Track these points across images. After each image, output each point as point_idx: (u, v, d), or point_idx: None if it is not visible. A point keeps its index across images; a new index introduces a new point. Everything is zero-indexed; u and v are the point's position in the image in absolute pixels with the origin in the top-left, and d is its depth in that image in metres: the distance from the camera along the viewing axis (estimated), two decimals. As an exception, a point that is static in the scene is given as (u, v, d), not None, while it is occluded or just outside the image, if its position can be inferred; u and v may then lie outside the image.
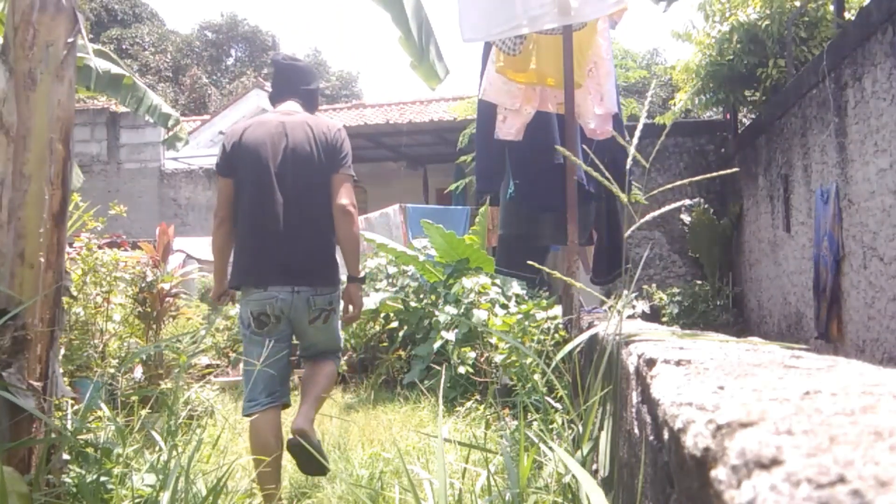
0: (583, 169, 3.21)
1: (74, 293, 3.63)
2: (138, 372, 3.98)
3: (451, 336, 4.99)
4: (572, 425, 1.73)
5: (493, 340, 4.48)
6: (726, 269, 8.76)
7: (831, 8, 6.61)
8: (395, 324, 5.87)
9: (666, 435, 0.76)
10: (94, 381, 3.25)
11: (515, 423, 2.71)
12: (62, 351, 3.46)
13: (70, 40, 1.89)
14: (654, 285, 8.86)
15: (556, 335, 3.66)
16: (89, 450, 1.99)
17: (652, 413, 0.90)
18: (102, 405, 2.29)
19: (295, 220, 2.69)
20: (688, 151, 9.65)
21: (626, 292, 1.39)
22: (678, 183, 1.54)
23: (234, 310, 6.73)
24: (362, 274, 2.86)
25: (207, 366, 5.36)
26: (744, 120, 9.36)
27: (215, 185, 13.05)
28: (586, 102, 3.21)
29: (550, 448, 1.69)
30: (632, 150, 1.31)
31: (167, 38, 29.14)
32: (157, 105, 5.26)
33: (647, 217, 1.41)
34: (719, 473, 0.51)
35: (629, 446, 1.18)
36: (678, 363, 0.89)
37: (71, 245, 3.79)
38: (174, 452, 1.90)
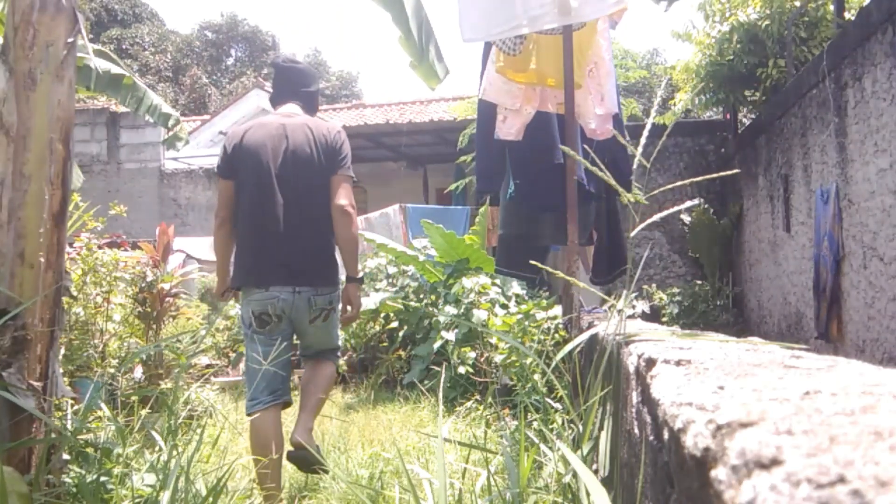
0: (583, 169, 3.22)
1: (74, 293, 3.63)
2: (138, 372, 3.98)
3: (451, 336, 4.99)
4: (572, 425, 1.73)
5: (493, 340, 4.48)
6: (726, 269, 8.76)
7: (831, 8, 6.61)
8: (395, 324, 5.87)
9: (666, 435, 0.76)
10: (94, 381, 3.25)
11: (515, 423, 2.71)
12: (62, 351, 3.46)
13: (70, 40, 1.89)
14: (654, 285, 8.86)
15: (556, 335, 3.66)
16: (89, 450, 1.99)
17: (652, 413, 0.90)
18: (102, 405, 2.29)
19: (295, 221, 2.72)
20: (688, 151, 9.65)
21: (626, 292, 1.39)
22: (679, 183, 1.54)
23: (234, 310, 6.73)
24: (361, 274, 2.92)
25: (207, 366, 5.36)
26: (744, 120, 9.36)
27: (215, 185, 13.02)
28: (587, 102, 3.21)
29: (551, 448, 1.69)
30: (639, 152, 1.31)
31: (167, 38, 29.14)
32: (157, 105, 5.26)
33: (654, 218, 1.41)
34: (719, 473, 0.51)
35: (629, 446, 1.18)
36: (678, 363, 0.89)
37: (71, 245, 3.78)
38: (174, 452, 1.91)
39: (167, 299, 4.22)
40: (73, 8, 1.90)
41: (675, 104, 9.24)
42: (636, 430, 1.09)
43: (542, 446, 1.80)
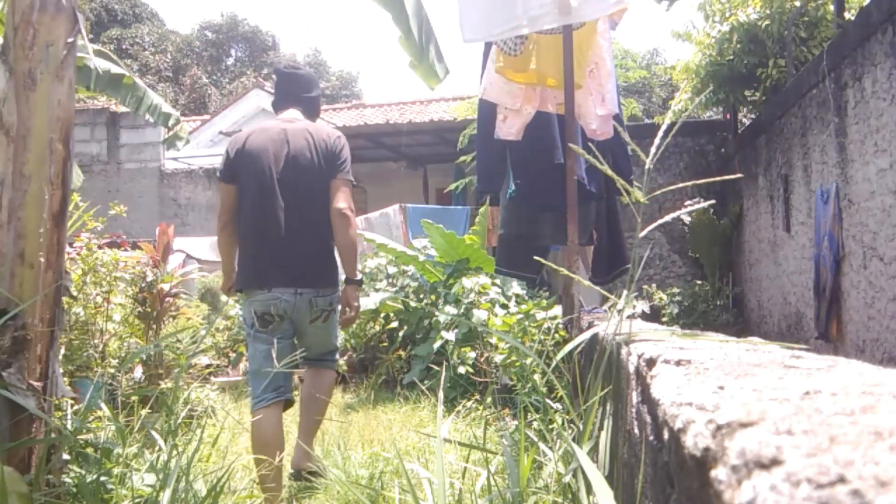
0: (584, 168, 3.22)
1: (74, 293, 3.63)
2: (138, 372, 3.98)
3: (451, 336, 4.99)
4: (572, 425, 1.73)
5: (493, 340, 4.48)
6: (726, 269, 8.76)
7: (831, 8, 6.61)
8: (395, 324, 5.87)
9: (666, 435, 0.76)
10: (94, 381, 3.25)
11: (515, 423, 2.71)
12: (62, 351, 3.46)
13: (70, 40, 1.89)
14: (654, 285, 8.86)
15: (556, 335, 3.66)
16: (89, 450, 1.99)
17: (652, 413, 0.90)
18: (102, 405, 2.29)
19: (296, 225, 2.78)
20: (688, 151, 9.65)
21: (626, 292, 1.39)
22: (681, 185, 1.54)
23: (233, 310, 6.73)
24: (360, 276, 2.97)
25: (207, 366, 5.36)
26: (744, 120, 9.36)
27: (215, 186, 13.00)
28: (587, 103, 3.21)
29: (551, 448, 1.69)
30: (652, 152, 1.31)
31: (167, 38, 29.14)
32: (157, 104, 5.26)
33: (665, 218, 1.41)
34: (719, 473, 0.51)
35: (629, 446, 1.18)
36: (678, 363, 0.89)
37: (71, 245, 3.78)
38: (174, 452, 1.91)
39: (167, 299, 4.22)
40: (73, 8, 1.90)
41: (674, 104, 9.23)
42: (636, 430, 1.09)
43: (543, 446, 1.80)
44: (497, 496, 1.62)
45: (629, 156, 3.55)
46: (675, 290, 8.50)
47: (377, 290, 6.12)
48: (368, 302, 5.66)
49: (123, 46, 26.89)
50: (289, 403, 2.86)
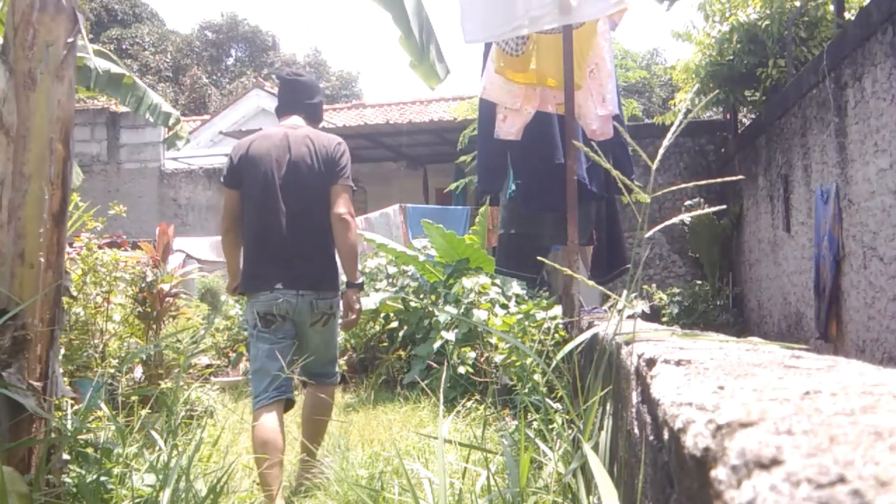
0: (584, 168, 3.22)
1: (74, 293, 3.63)
2: (138, 372, 3.97)
3: (451, 336, 4.99)
4: (572, 425, 1.73)
5: (493, 340, 4.48)
6: (726, 269, 8.76)
7: (831, 8, 6.61)
8: (395, 324, 5.87)
9: (666, 435, 0.76)
10: (94, 381, 3.25)
11: (515, 423, 2.71)
12: (62, 351, 3.46)
13: (70, 40, 1.89)
14: (654, 285, 8.86)
15: (556, 335, 3.66)
16: (89, 450, 1.99)
17: (652, 413, 0.90)
18: (102, 405, 2.29)
19: (297, 229, 2.85)
20: (688, 151, 9.65)
21: (626, 292, 1.39)
22: (682, 186, 1.54)
23: (233, 310, 6.74)
24: (360, 279, 3.03)
25: (207, 366, 5.36)
26: (744, 120, 9.36)
27: (215, 186, 12.97)
28: (587, 103, 3.20)
29: (551, 448, 1.69)
30: (660, 153, 1.31)
31: (167, 38, 29.14)
32: (157, 104, 5.26)
33: (668, 222, 1.41)
34: (719, 473, 0.51)
35: (629, 446, 1.18)
36: (678, 363, 0.89)
37: (71, 245, 3.78)
38: (174, 452, 1.91)
39: (167, 299, 4.22)
40: (73, 8, 1.90)
41: (675, 104, 9.24)
42: (636, 430, 1.09)
43: (543, 446, 1.80)
44: (497, 496, 1.62)
45: (630, 156, 3.55)
46: (675, 290, 8.50)
47: (377, 290, 6.12)
48: (368, 302, 5.66)
49: (123, 46, 26.89)
50: (290, 403, 2.89)
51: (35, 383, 1.79)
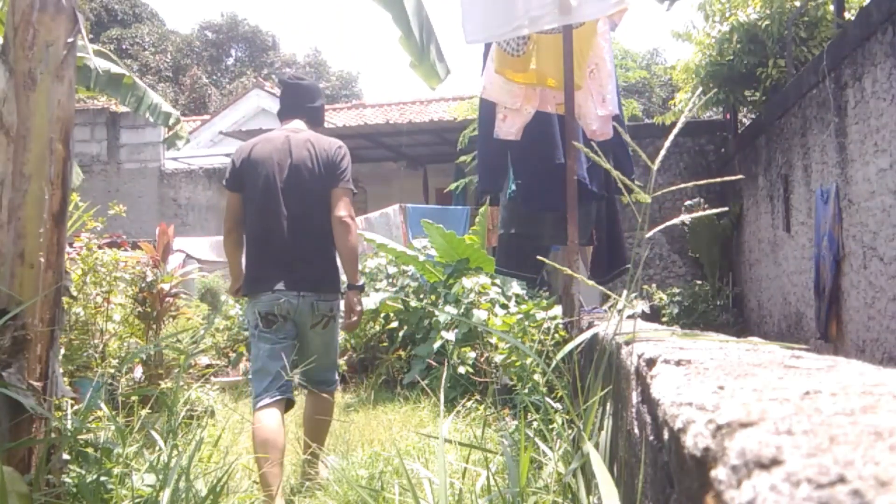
0: (584, 168, 3.22)
1: (74, 293, 3.63)
2: (138, 372, 3.97)
3: (451, 336, 4.99)
4: (572, 425, 1.73)
5: (493, 340, 4.47)
6: (726, 269, 8.76)
7: (831, 8, 6.61)
8: (395, 324, 5.87)
9: (666, 435, 0.76)
10: (94, 381, 3.25)
11: (515, 423, 2.71)
12: (62, 351, 3.46)
13: (70, 40, 1.89)
14: (654, 285, 8.86)
15: (556, 335, 3.66)
16: (89, 450, 1.99)
17: (652, 413, 0.90)
18: (102, 405, 2.29)
19: (298, 231, 2.89)
20: (688, 151, 9.65)
21: (626, 292, 1.39)
22: (682, 185, 1.54)
23: (233, 310, 6.74)
24: (361, 281, 3.07)
25: (207, 366, 5.36)
26: (744, 120, 9.36)
27: (215, 186, 12.94)
28: (587, 104, 3.20)
29: (551, 447, 1.69)
30: (662, 154, 1.31)
31: (167, 38, 29.13)
32: (157, 104, 5.26)
33: (669, 223, 1.41)
34: (719, 473, 0.51)
35: (629, 446, 1.18)
36: (678, 363, 0.89)
37: (71, 245, 3.78)
38: (174, 452, 1.91)
39: (167, 299, 4.22)
40: (73, 8, 1.90)
41: (675, 104, 9.24)
42: (636, 430, 1.09)
43: (543, 446, 1.80)
44: (497, 496, 1.62)
45: (630, 156, 3.55)
46: (675, 290, 8.50)
47: (377, 290, 6.12)
48: (368, 302, 5.66)
49: (123, 46, 26.88)
50: (290, 403, 2.90)
51: (35, 383, 1.79)
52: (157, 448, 2.07)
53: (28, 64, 1.83)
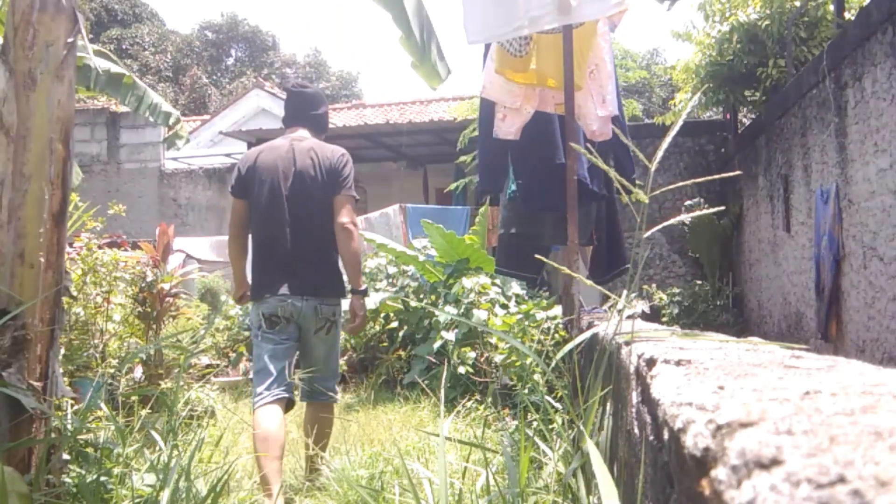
0: (585, 168, 3.22)
1: (74, 293, 3.63)
2: (138, 372, 3.97)
3: (451, 336, 4.98)
4: (572, 425, 1.73)
5: (493, 340, 4.47)
6: (726, 269, 8.76)
7: (831, 8, 6.61)
8: (395, 324, 5.86)
9: (666, 435, 0.76)
10: (94, 382, 3.25)
11: (515, 423, 2.71)
12: (62, 351, 3.46)
13: (70, 40, 1.89)
14: (654, 285, 8.86)
15: (556, 335, 3.66)
16: (89, 450, 1.99)
17: (652, 413, 0.90)
18: (102, 405, 2.29)
19: (302, 238, 2.96)
20: (688, 151, 9.65)
21: (626, 292, 1.39)
22: (680, 184, 1.54)
23: (233, 310, 6.73)
24: (364, 286, 3.15)
25: (207, 366, 5.36)
26: (744, 120, 9.36)
27: (215, 186, 12.90)
28: (587, 104, 3.20)
29: (551, 447, 1.69)
30: (659, 155, 1.31)
31: (167, 38, 29.13)
32: (157, 104, 5.26)
33: (668, 222, 1.41)
34: (719, 473, 0.51)
35: (629, 446, 1.18)
36: (678, 363, 0.89)
37: (71, 245, 3.78)
38: (174, 452, 1.91)
39: (167, 299, 4.22)
40: (73, 8, 1.90)
41: (675, 104, 9.24)
42: (636, 430, 1.09)
43: (543, 446, 1.80)
44: (497, 496, 1.62)
45: (631, 156, 3.55)
46: (675, 290, 8.50)
47: (377, 290, 6.12)
48: (368, 302, 5.66)
49: (123, 46, 26.88)
50: (290, 404, 2.93)
51: (35, 383, 1.79)
52: (157, 448, 2.07)
53: (28, 64, 1.83)
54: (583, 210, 3.13)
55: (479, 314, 5.00)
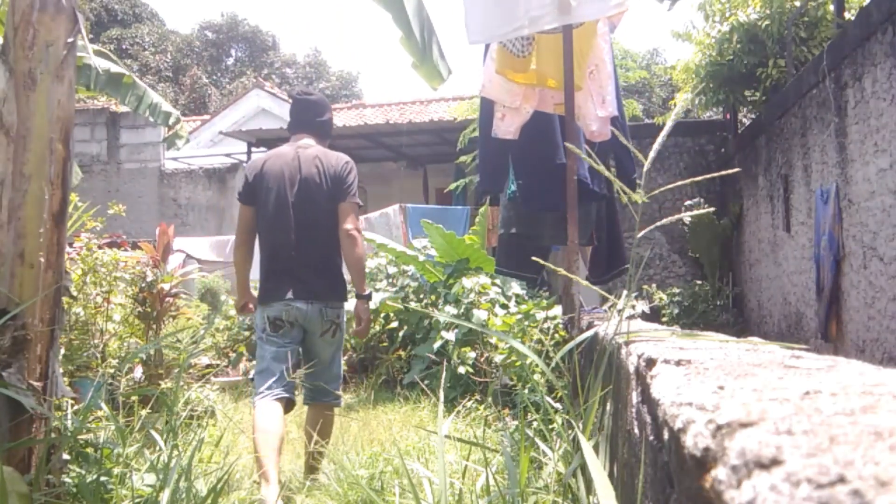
0: (585, 168, 3.22)
1: (74, 293, 3.63)
2: (138, 372, 3.97)
3: (451, 336, 4.98)
4: (572, 425, 1.73)
5: (493, 340, 4.47)
6: (726, 269, 8.76)
7: (831, 8, 6.61)
8: (395, 324, 5.86)
9: (666, 435, 0.76)
10: (94, 382, 3.25)
11: (515, 422, 2.71)
12: (62, 351, 3.46)
13: (70, 40, 1.89)
14: (654, 285, 8.86)
15: (556, 335, 3.66)
16: (89, 450, 1.99)
17: (652, 413, 0.90)
18: (102, 405, 2.29)
19: (307, 244, 3.02)
20: (688, 151, 9.65)
21: (626, 292, 1.39)
22: (679, 183, 1.54)
23: (233, 310, 6.73)
24: (368, 291, 3.22)
25: (207, 366, 5.36)
26: (744, 120, 9.36)
27: (215, 186, 12.89)
28: (587, 104, 3.20)
29: (551, 447, 1.69)
30: (651, 155, 1.31)
31: (167, 38, 29.12)
32: (157, 103, 5.26)
33: (663, 221, 1.41)
34: (719, 473, 0.51)
35: (629, 446, 1.18)
36: (678, 363, 0.89)
37: (71, 245, 3.78)
38: (174, 452, 1.90)
39: (167, 299, 4.22)
40: (73, 8, 1.90)
41: (675, 104, 9.23)
42: (636, 430, 1.09)
43: (543, 446, 1.80)
44: (497, 496, 1.62)
45: (632, 156, 3.55)
46: (675, 290, 8.50)
47: (377, 290, 6.12)
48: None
49: (123, 46, 26.88)
50: (291, 404, 2.96)
51: (35, 383, 1.79)
52: (157, 448, 2.07)
53: (28, 64, 1.83)
54: (583, 210, 3.13)
55: (479, 314, 5.00)
